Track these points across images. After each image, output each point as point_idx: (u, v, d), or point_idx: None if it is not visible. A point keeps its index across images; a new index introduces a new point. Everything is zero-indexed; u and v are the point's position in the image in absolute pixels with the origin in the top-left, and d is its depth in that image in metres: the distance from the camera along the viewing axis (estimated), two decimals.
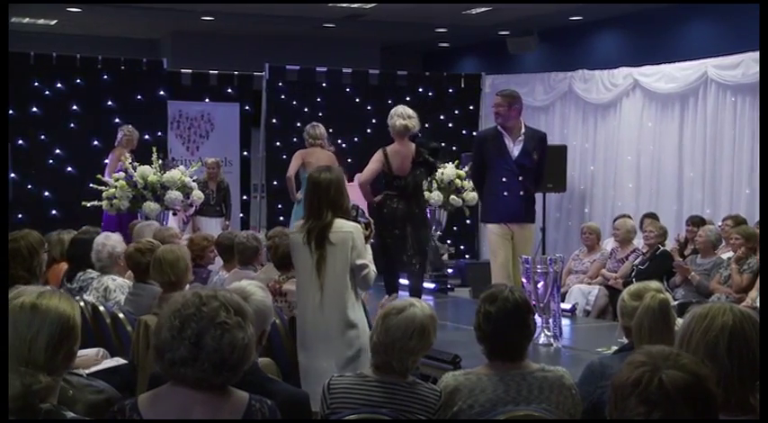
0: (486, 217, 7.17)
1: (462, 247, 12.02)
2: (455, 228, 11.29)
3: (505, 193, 6.89)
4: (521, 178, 6.92)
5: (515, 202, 6.94)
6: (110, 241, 5.75)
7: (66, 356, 2.47)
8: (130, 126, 10.06)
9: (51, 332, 2.44)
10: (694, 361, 1.92)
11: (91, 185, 9.01)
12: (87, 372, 4.54)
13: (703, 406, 1.83)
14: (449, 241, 10.10)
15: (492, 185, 6.96)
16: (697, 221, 8.73)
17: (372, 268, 4.55)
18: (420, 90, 12.62)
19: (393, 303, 3.34)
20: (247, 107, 12.35)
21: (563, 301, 6.88)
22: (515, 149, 6.93)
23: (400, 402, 3.22)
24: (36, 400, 2.35)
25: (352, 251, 4.47)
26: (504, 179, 6.90)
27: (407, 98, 12.52)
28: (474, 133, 12.48)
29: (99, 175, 9.14)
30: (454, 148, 12.07)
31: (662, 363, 1.85)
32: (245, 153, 12.38)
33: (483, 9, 11.47)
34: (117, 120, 11.01)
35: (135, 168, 8.75)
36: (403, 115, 7.20)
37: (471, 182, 7.97)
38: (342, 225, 4.50)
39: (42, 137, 10.95)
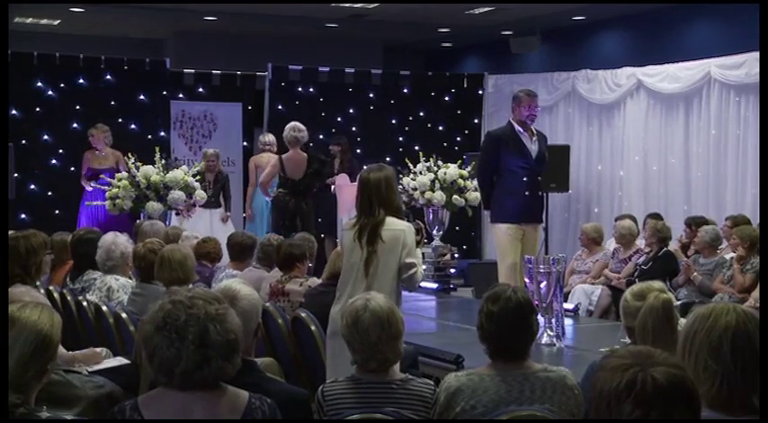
0: (503, 217, 7.00)
1: (465, 247, 12.01)
2: (457, 228, 11.29)
3: (527, 193, 6.90)
4: (539, 178, 6.98)
5: (536, 202, 7.01)
6: (120, 241, 5.76)
7: (37, 374, 2.45)
8: (99, 124, 10.06)
9: (24, 350, 2.42)
10: (670, 355, 1.91)
11: (93, 185, 9.02)
12: (90, 369, 4.55)
13: (691, 397, 1.83)
14: (450, 241, 10.08)
15: (511, 185, 6.91)
16: (693, 222, 8.71)
17: (421, 269, 4.54)
18: (422, 90, 12.60)
19: (353, 306, 3.29)
20: (250, 107, 12.35)
21: (566, 300, 6.87)
22: (533, 148, 6.96)
23: (397, 401, 3.22)
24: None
25: (403, 249, 4.46)
26: (525, 179, 6.89)
27: (410, 98, 12.53)
28: (481, 133, 12.54)
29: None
30: (456, 148, 12.09)
31: (646, 361, 1.83)
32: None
33: (486, 9, 11.47)
34: (120, 119, 11.03)
35: (138, 168, 8.75)
36: (295, 129, 9.17)
37: (477, 180, 7.73)
38: (394, 223, 4.49)
39: (45, 137, 10.96)
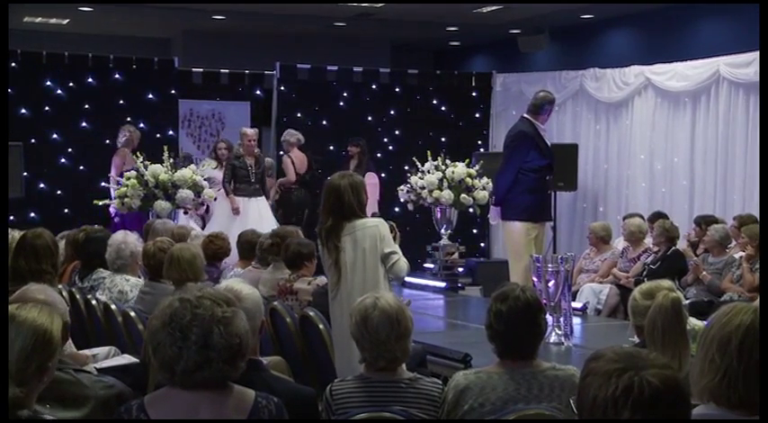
0: (522, 215, 6.96)
1: (473, 245, 12.00)
2: (466, 226, 11.27)
3: (549, 191, 6.98)
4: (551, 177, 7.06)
5: (549, 200, 7.08)
6: (130, 240, 5.76)
7: (38, 370, 2.47)
8: (132, 126, 10.08)
9: (24, 344, 2.45)
10: (657, 355, 1.92)
11: (103, 184, 9.03)
12: (98, 366, 4.56)
13: (684, 396, 1.84)
14: (458, 240, 10.07)
15: (533, 183, 6.91)
16: (703, 221, 8.69)
17: (403, 258, 4.61)
18: (431, 88, 12.60)
19: (362, 304, 3.31)
20: (258, 106, 12.36)
21: (574, 299, 6.86)
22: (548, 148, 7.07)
23: (405, 400, 3.22)
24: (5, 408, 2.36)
25: (381, 242, 4.55)
26: (548, 177, 6.94)
27: (418, 97, 12.53)
28: (489, 132, 12.53)
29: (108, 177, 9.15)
30: (464, 147, 12.07)
31: (637, 364, 1.83)
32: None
33: (494, 7, 11.45)
34: (128, 118, 11.03)
35: (146, 167, 8.76)
36: (292, 134, 10.56)
37: (499, 176, 7.36)
38: (365, 222, 4.61)
39: (54, 136, 10.98)
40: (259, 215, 9.49)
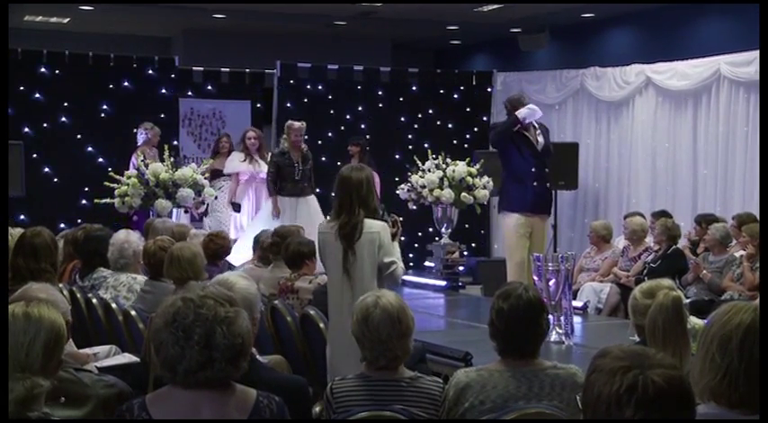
0: (511, 206, 7.11)
1: (474, 244, 12.00)
2: (466, 225, 11.28)
3: (535, 183, 7.00)
4: (546, 170, 7.09)
5: (545, 193, 7.12)
6: (132, 239, 5.76)
7: (57, 361, 2.56)
8: (150, 123, 10.07)
9: (47, 338, 2.52)
10: (664, 355, 1.92)
11: (105, 183, 9.02)
12: (99, 365, 4.56)
13: (689, 396, 1.84)
14: (459, 239, 10.06)
15: (519, 175, 6.98)
16: (703, 220, 8.69)
17: (400, 265, 4.58)
18: (431, 87, 12.59)
19: (364, 303, 3.30)
20: (259, 105, 12.36)
21: (574, 298, 6.87)
22: (540, 140, 7.10)
23: (406, 398, 3.22)
24: (34, 405, 2.39)
25: (380, 250, 4.50)
26: (533, 169, 6.99)
27: (418, 95, 12.52)
28: (484, 131, 12.50)
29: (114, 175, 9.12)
30: (465, 145, 12.08)
31: (643, 362, 1.83)
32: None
33: (494, 6, 11.45)
34: (129, 117, 11.03)
35: (147, 166, 8.75)
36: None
37: (495, 135, 7.62)
38: (370, 225, 4.52)
39: (54, 134, 10.97)
40: (309, 217, 8.81)
